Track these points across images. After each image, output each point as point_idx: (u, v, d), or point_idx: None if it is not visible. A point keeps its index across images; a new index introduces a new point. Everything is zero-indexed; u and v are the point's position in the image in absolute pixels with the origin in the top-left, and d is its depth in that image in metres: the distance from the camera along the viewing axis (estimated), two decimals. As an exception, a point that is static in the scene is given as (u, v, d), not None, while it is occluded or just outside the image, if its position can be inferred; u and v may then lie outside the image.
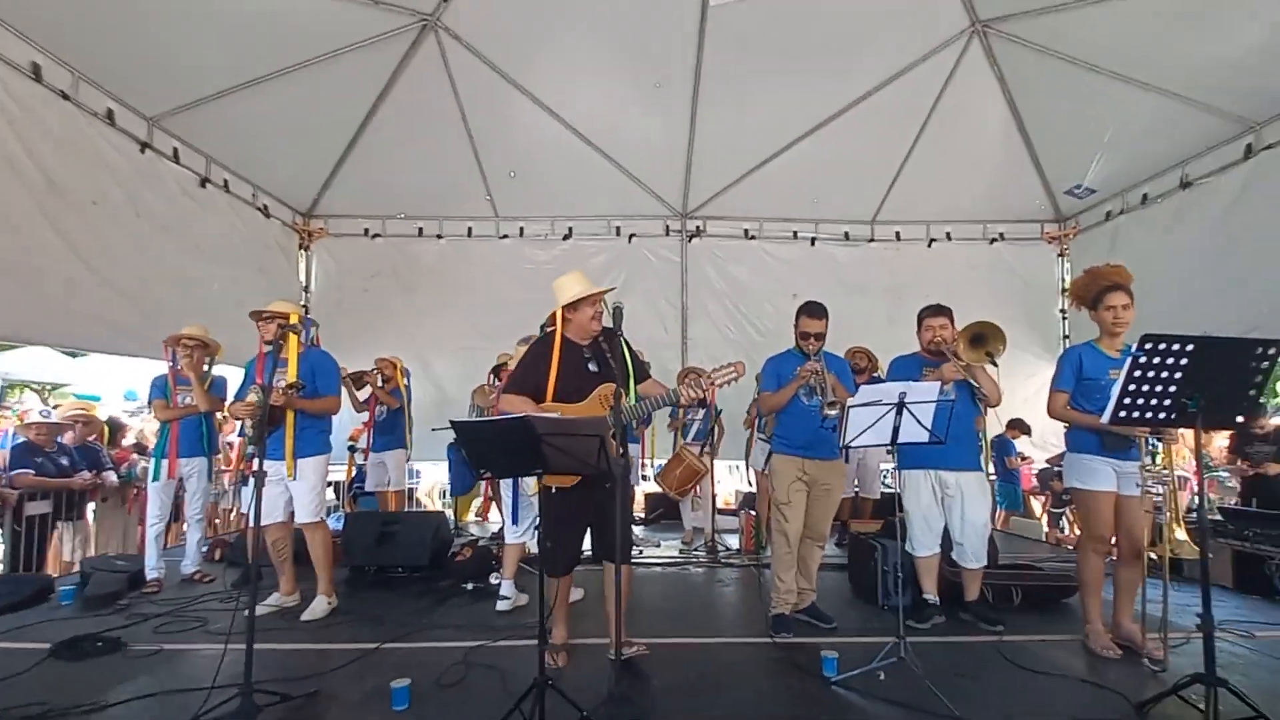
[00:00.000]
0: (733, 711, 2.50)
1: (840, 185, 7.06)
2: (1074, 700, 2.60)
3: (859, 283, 7.43)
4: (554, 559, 2.85)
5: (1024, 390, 7.32)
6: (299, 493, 3.69)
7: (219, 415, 4.75)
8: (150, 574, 4.20)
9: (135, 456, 5.73)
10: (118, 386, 10.36)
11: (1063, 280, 7.42)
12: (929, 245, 7.41)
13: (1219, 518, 4.70)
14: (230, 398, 4.28)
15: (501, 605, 3.79)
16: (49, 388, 10.72)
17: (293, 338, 3.66)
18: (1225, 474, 6.57)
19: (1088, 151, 6.27)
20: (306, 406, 3.63)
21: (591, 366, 2.80)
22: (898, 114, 6.30)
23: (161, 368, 4.51)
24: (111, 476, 5.26)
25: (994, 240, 7.39)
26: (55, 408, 7.13)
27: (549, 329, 2.93)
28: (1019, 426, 7.05)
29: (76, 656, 3.03)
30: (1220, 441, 6.08)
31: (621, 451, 2.24)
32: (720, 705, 2.56)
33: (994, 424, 7.01)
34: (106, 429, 5.73)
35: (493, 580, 4.19)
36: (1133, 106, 5.49)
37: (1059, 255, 7.42)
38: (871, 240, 7.48)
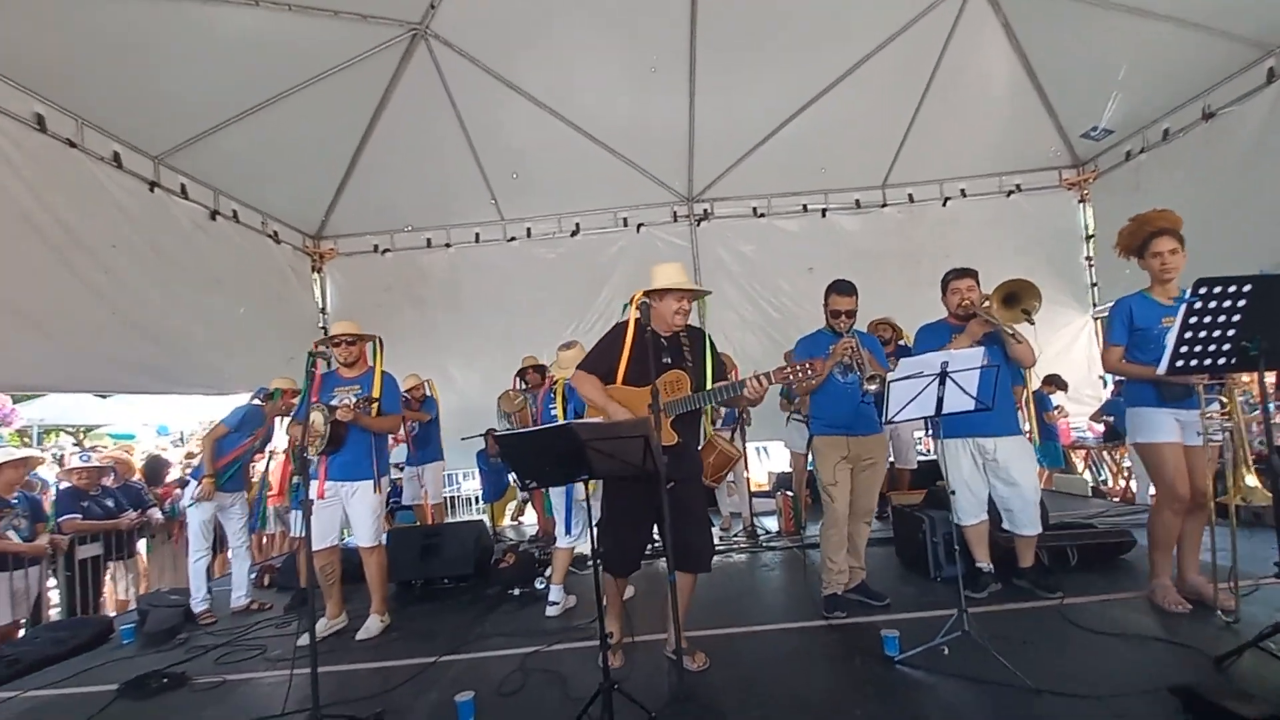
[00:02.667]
0: (797, 699, 2.46)
1: (848, 152, 6.92)
2: (1148, 659, 2.53)
3: (874, 250, 7.29)
4: (614, 558, 2.82)
5: (1056, 343, 7.18)
6: (361, 514, 3.67)
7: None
8: (197, 606, 4.24)
9: (179, 491, 5.83)
10: (151, 421, 10.58)
11: (1086, 227, 7.23)
12: (944, 204, 7.25)
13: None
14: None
15: (551, 610, 3.79)
16: (83, 430, 10.97)
17: (379, 356, 3.70)
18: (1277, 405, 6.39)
19: (1102, 91, 6.08)
20: (372, 425, 3.62)
21: (666, 358, 2.74)
22: (902, 73, 6.15)
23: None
24: (156, 513, 5.35)
25: (1011, 193, 7.20)
26: (92, 449, 7.28)
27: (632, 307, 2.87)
28: (1054, 382, 6.90)
29: (144, 695, 3.08)
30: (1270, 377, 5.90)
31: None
32: (783, 693, 2.52)
33: (1033, 381, 6.92)
34: (142, 469, 5.81)
35: (538, 585, 4.19)
36: (1146, 39, 5.30)
37: (1080, 201, 7.23)
38: (884, 206, 7.34)
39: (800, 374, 2.55)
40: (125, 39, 4.26)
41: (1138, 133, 6.30)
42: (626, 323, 2.79)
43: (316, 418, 3.38)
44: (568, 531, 3.84)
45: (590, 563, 2.73)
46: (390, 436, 6.33)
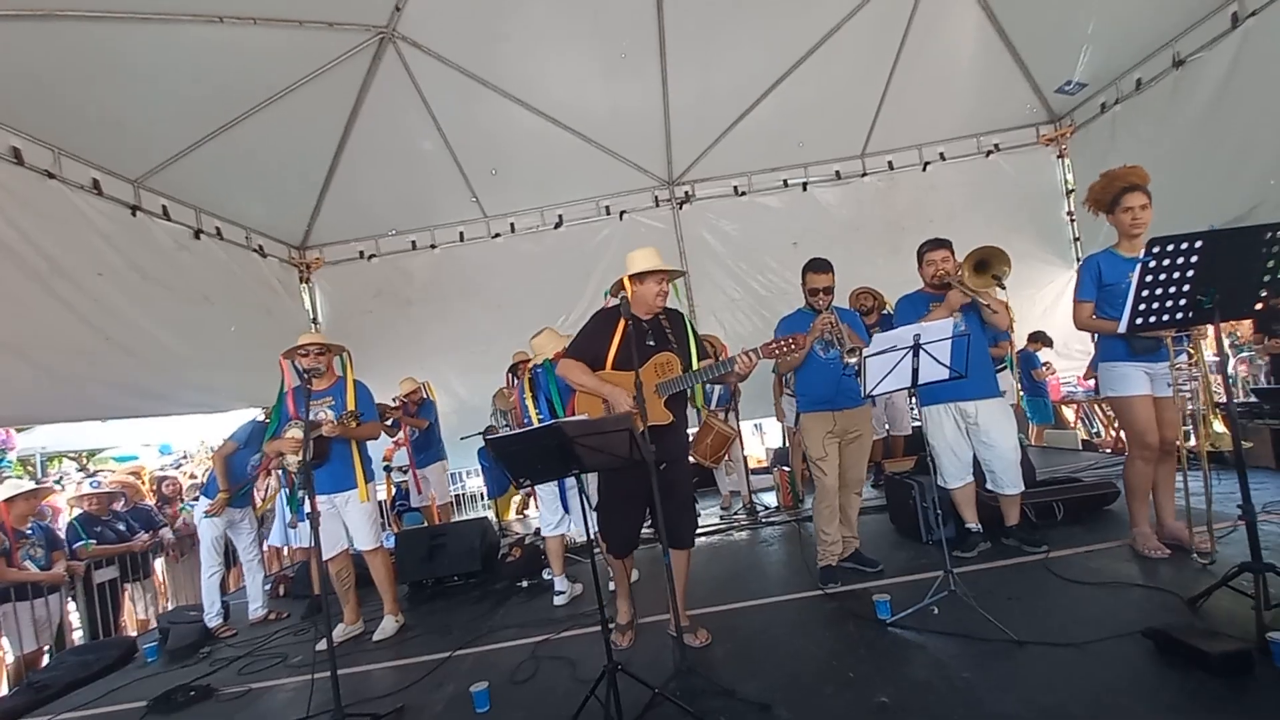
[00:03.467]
0: (793, 666, 2.58)
1: (824, 124, 6.92)
2: (1127, 604, 2.64)
3: (857, 220, 7.35)
4: (612, 539, 2.96)
5: (1042, 300, 7.26)
6: (357, 520, 3.76)
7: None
8: (211, 621, 4.34)
9: (191, 504, 5.94)
10: (153, 442, 10.66)
11: (1065, 182, 7.27)
12: (924, 169, 7.27)
13: (1254, 400, 4.67)
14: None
15: (558, 600, 3.91)
16: (86, 454, 11.04)
17: (349, 366, 3.76)
18: (1251, 353, 6.49)
19: (1073, 45, 6.09)
20: (356, 434, 3.70)
21: (650, 341, 2.86)
22: (872, 41, 6.15)
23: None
24: (168, 533, 5.45)
25: (989, 153, 7.22)
26: (96, 473, 7.37)
27: (615, 295, 2.99)
28: (1040, 339, 6.98)
29: (173, 709, 3.20)
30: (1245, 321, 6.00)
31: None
32: (780, 661, 2.64)
33: (1018, 339, 7.01)
34: (150, 490, 5.90)
35: (545, 576, 4.31)
36: (1111, -12, 5.30)
37: (1058, 157, 7.25)
38: (864, 175, 7.36)
39: (785, 348, 2.67)
40: (94, 62, 4.25)
41: (1111, 84, 6.31)
42: (614, 309, 2.88)
43: (296, 433, 3.45)
44: (567, 512, 3.95)
45: (591, 548, 2.84)
46: (392, 441, 6.51)
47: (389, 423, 5.97)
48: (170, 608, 5.19)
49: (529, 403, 3.82)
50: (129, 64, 4.42)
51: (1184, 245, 2.11)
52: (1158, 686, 2.03)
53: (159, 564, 5.50)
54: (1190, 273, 2.14)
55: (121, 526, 5.11)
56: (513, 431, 2.42)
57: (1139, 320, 2.24)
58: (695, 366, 2.87)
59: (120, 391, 4.88)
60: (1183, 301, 2.19)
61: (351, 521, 3.76)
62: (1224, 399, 2.56)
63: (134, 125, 4.85)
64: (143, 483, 6.18)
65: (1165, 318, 2.22)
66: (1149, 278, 2.16)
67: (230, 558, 5.04)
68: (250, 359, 6.13)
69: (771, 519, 5.25)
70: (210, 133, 5.26)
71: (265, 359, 6.24)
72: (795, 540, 4.48)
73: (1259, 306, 2.20)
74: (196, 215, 5.84)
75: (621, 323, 2.79)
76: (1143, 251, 2.15)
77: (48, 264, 4.37)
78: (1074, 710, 1.99)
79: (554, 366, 3.71)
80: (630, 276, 2.87)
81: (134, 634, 4.86)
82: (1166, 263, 2.13)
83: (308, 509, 2.57)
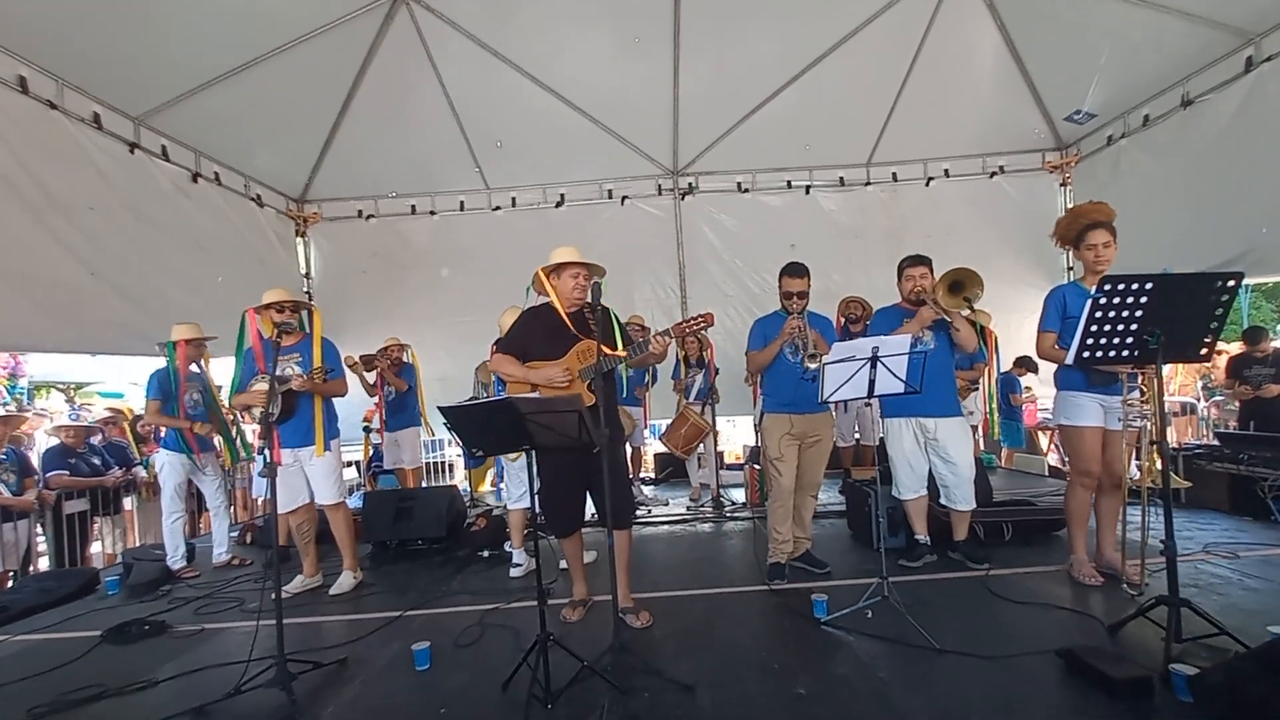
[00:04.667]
0: (725, 653, 2.67)
1: (832, 129, 6.92)
2: (1051, 624, 2.74)
3: (857, 228, 7.37)
4: (553, 521, 3.08)
5: (1030, 325, 7.27)
6: (319, 475, 3.83)
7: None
8: (175, 564, 4.38)
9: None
10: (140, 380, 10.71)
11: (1066, 210, 7.28)
12: (927, 184, 7.28)
13: (1215, 443, 4.74)
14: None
15: (515, 571, 4.01)
16: (74, 387, 11.09)
17: (318, 321, 3.79)
18: (1222, 396, 6.56)
19: (1085, 75, 6.09)
20: (324, 390, 3.76)
21: (572, 330, 2.97)
22: (887, 50, 6.14)
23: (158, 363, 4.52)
24: (140, 472, 5.53)
25: (994, 174, 7.23)
26: (80, 407, 7.43)
27: (533, 291, 3.17)
28: (1025, 364, 7.04)
29: (126, 640, 3.29)
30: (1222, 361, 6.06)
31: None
32: (713, 648, 2.74)
33: (1006, 361, 7.09)
34: (129, 430, 5.95)
35: (507, 548, 4.40)
36: (1128, 23, 5.30)
37: (1061, 184, 7.26)
38: (868, 184, 7.36)
39: (693, 325, 2.73)
40: (107, -2, 4.25)
41: (1119, 117, 6.32)
42: (540, 306, 3.06)
43: (264, 386, 3.47)
44: (518, 494, 4.04)
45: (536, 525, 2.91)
46: (372, 403, 6.56)
47: (370, 377, 6.03)
48: (138, 545, 5.28)
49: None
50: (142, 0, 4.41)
51: (1135, 285, 2.16)
52: (1059, 703, 2.12)
53: (130, 501, 5.58)
54: (1139, 313, 2.20)
55: (96, 461, 5.18)
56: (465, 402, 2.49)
57: (1085, 354, 2.30)
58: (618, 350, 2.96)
59: (107, 328, 4.91)
60: (1130, 340, 2.25)
61: (313, 476, 3.83)
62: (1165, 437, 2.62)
63: (140, 62, 4.84)
64: (127, 419, 6.23)
65: (1112, 353, 2.28)
66: (1099, 313, 2.22)
67: (201, 503, 5.11)
68: (240, 307, 6.13)
69: (736, 514, 5.34)
70: (217, 76, 5.25)
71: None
72: (753, 537, 4.57)
73: (1203, 351, 2.26)
74: (196, 158, 5.84)
75: (538, 315, 2.99)
76: (1095, 287, 2.21)
77: (44, 195, 4.39)
78: (974, 715, 2.08)
79: None
80: (548, 272, 3.04)
81: (100, 567, 4.95)
82: (1117, 300, 2.19)
83: (267, 461, 2.63)
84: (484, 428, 2.30)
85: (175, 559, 4.42)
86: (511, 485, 4.08)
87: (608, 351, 2.68)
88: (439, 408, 2.36)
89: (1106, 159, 6.62)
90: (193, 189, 5.83)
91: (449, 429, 2.55)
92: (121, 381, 10.19)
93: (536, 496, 2.60)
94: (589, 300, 2.83)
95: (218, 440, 4.63)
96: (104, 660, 3.10)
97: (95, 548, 5.29)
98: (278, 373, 3.09)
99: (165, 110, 5.30)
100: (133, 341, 5.20)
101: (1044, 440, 7.79)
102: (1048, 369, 7.02)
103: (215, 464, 4.61)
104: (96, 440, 5.39)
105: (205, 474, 4.56)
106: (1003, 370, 7.10)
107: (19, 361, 9.51)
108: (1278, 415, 5.07)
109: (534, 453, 2.37)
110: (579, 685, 2.39)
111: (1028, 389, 7.28)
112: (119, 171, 5.04)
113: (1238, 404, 5.71)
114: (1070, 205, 7.21)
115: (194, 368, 4.56)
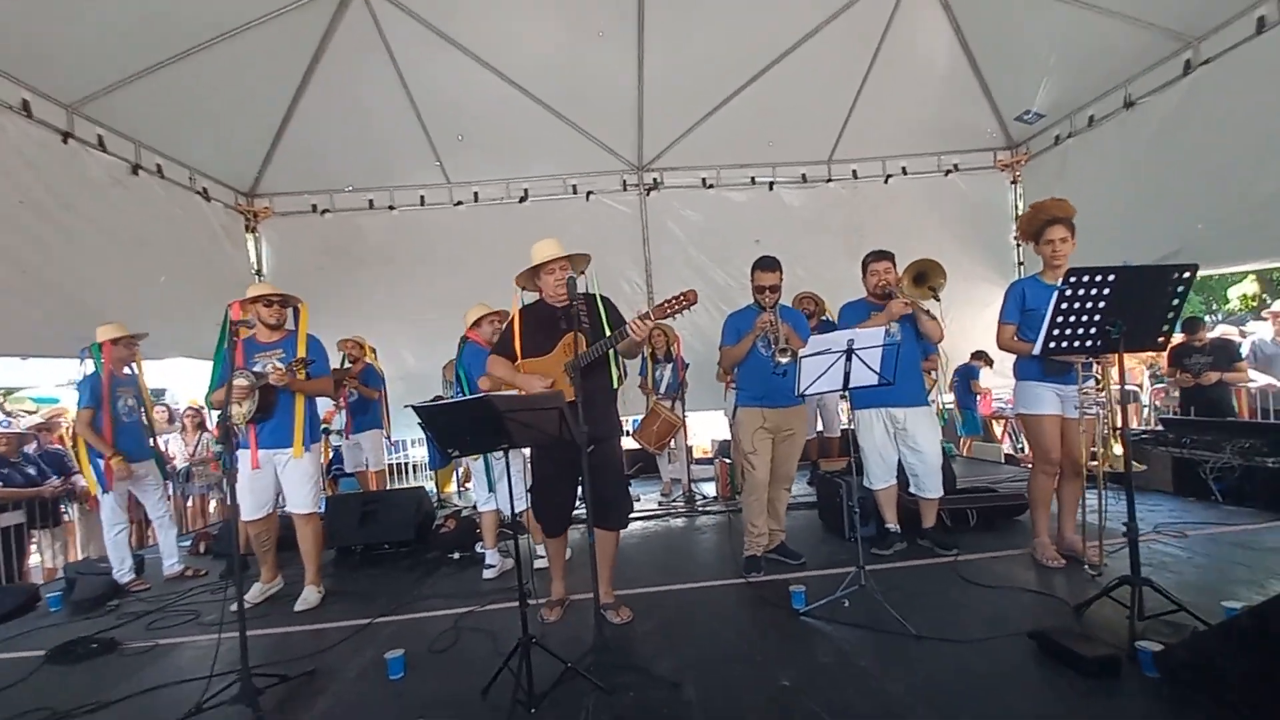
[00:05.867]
0: (707, 647, 2.67)
1: (795, 126, 7.01)
2: (1020, 607, 2.83)
3: (819, 223, 7.47)
4: (544, 517, 3.01)
5: (984, 318, 7.53)
6: (295, 480, 3.57)
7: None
8: (123, 578, 4.15)
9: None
10: (73, 384, 10.12)
11: (1016, 207, 7.55)
12: (885, 181, 7.44)
13: (1160, 428, 5.00)
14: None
15: (488, 573, 3.93)
16: (4, 392, 10.40)
17: (305, 314, 3.60)
18: (1166, 383, 6.93)
19: (1035, 76, 6.32)
20: (306, 388, 3.54)
21: (563, 324, 2.90)
22: (847, 50, 6.25)
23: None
24: (80, 480, 5.20)
25: (949, 172, 7.44)
26: (10, 414, 6.96)
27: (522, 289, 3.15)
28: (982, 357, 7.28)
29: (73, 660, 3.09)
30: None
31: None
32: (695, 643, 2.73)
33: (960, 353, 7.32)
34: (69, 437, 5.60)
35: (478, 549, 4.31)
36: (1076, 27, 5.50)
37: (1012, 182, 7.52)
38: (829, 180, 7.48)
39: (674, 306, 2.59)
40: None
41: (1066, 118, 6.57)
42: (531, 305, 3.04)
43: (240, 383, 3.27)
44: (490, 490, 3.95)
45: (515, 526, 2.86)
46: (331, 404, 6.34)
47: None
48: (82, 558, 4.98)
49: (462, 374, 3.86)
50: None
51: (1098, 277, 2.24)
52: (1034, 682, 2.19)
53: (73, 511, 5.25)
54: (1102, 304, 2.28)
55: (31, 470, 4.86)
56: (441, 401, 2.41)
57: (1051, 345, 2.37)
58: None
59: (40, 328, 4.60)
60: (1093, 330, 2.33)
61: (288, 481, 3.60)
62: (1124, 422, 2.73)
63: (74, 46, 4.53)
64: (62, 426, 5.86)
65: (1076, 344, 2.36)
66: (1064, 305, 2.30)
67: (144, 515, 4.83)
68: (187, 308, 5.86)
69: (708, 508, 5.37)
70: (157, 62, 4.96)
71: (202, 307, 6.03)
72: (726, 530, 4.60)
73: (1160, 340, 2.36)
74: (136, 149, 5.52)
75: (518, 315, 2.99)
76: (1061, 280, 2.28)
77: (-35, 186, 4.08)
78: (955, 697, 2.13)
79: (469, 344, 3.88)
80: (528, 278, 3.07)
81: (41, 583, 4.64)
82: (1081, 292, 2.27)
83: (226, 466, 2.50)
84: (460, 427, 2.24)
85: (123, 572, 4.17)
86: (479, 486, 4.00)
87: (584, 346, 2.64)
88: (413, 407, 2.27)
89: (1054, 158, 6.89)
90: (133, 181, 5.51)
91: (423, 428, 2.46)
92: (56, 386, 9.60)
93: (529, 493, 2.55)
94: (568, 295, 2.77)
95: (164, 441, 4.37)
96: (48, 682, 2.90)
97: (34, 560, 4.95)
98: (256, 369, 2.94)
99: (102, 98, 4.99)
100: (67, 343, 4.85)
101: (998, 429, 8.08)
102: (1002, 360, 7.45)
103: (155, 472, 4.35)
104: (31, 448, 5.05)
105: (146, 484, 4.29)
106: (962, 362, 7.35)
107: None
108: (1216, 401, 5.38)
109: (530, 451, 2.31)
110: (562, 687, 2.34)
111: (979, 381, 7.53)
112: (51, 163, 4.73)
113: (1177, 392, 6.02)
114: (1020, 203, 7.51)
115: (127, 370, 4.29)
